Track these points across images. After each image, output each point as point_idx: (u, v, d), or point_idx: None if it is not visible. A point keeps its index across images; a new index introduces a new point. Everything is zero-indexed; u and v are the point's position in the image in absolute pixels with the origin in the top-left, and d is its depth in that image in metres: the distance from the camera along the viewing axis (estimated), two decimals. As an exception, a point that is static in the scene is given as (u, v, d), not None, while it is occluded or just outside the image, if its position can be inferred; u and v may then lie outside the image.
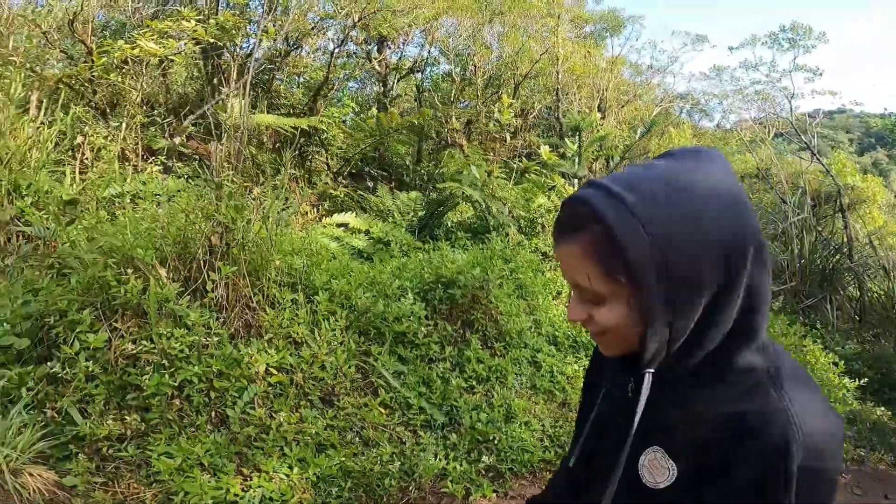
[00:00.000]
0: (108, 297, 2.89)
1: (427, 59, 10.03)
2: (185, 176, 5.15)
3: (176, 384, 2.96)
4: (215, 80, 6.65)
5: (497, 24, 9.43)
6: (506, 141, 5.33)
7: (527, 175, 5.16)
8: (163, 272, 2.83)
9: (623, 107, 10.70)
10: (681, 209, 0.69)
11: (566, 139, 6.02)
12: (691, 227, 0.69)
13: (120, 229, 3.03)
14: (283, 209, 3.73)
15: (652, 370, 0.77)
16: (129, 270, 2.77)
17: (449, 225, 5.92)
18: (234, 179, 3.30)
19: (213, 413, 3.24)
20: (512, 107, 5.55)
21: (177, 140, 5.12)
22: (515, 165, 5.92)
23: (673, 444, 0.79)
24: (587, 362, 2.07)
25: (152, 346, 2.80)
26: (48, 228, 2.67)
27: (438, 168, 7.56)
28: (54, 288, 2.75)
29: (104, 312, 2.93)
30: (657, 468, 0.79)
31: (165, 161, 5.08)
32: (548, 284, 5.07)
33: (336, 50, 8.01)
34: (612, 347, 0.82)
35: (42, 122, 3.96)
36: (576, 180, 5.40)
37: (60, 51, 5.19)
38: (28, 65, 4.18)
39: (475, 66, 8.98)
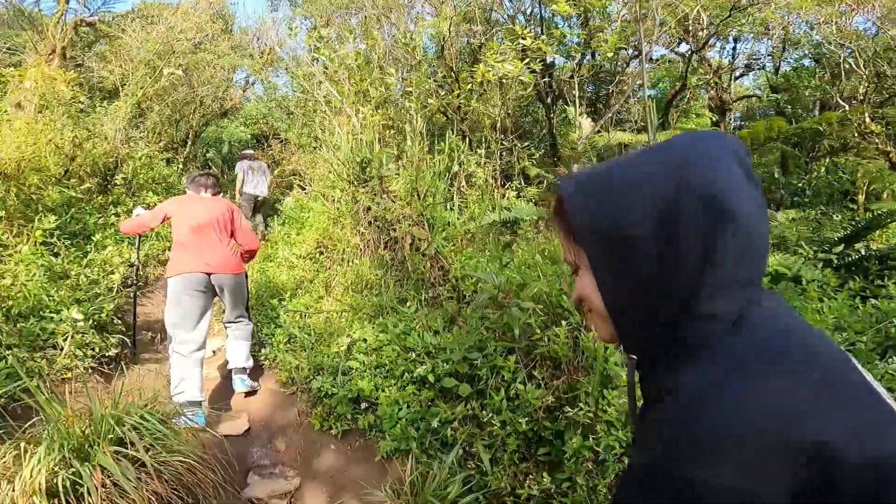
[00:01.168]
0: (530, 343, 2.64)
1: (783, 52, 8.30)
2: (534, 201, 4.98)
3: (599, 449, 2.56)
4: (549, 100, 6.50)
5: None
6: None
7: None
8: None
9: None
10: (613, 172, 0.73)
11: None
12: (618, 186, 0.72)
13: (532, 271, 2.77)
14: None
15: (634, 356, 0.79)
16: (563, 322, 2.46)
17: (863, 253, 4.47)
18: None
19: (614, 479, 2.81)
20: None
21: (524, 163, 5.00)
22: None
23: (640, 432, 0.79)
24: None
25: (588, 409, 2.41)
26: (495, 275, 2.57)
27: (841, 181, 5.96)
28: (482, 330, 2.61)
29: (522, 358, 2.70)
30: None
31: (518, 185, 5.00)
32: None
33: (692, 56, 7.11)
34: (598, 329, 0.83)
35: (431, 152, 4.15)
36: None
37: (433, 80, 5.60)
38: (418, 95, 4.50)
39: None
